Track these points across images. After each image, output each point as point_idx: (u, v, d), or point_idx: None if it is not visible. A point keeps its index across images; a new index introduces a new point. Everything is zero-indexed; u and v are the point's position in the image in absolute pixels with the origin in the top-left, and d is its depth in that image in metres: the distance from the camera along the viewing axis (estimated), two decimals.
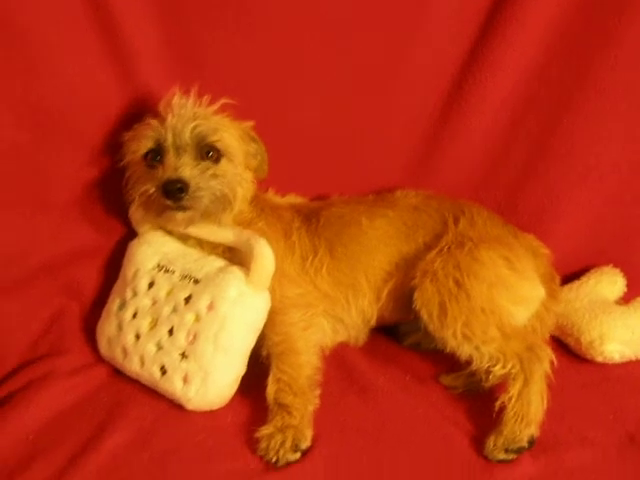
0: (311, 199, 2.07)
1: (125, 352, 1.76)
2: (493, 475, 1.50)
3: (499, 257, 1.76)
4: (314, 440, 1.59)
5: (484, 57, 1.99)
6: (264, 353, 1.75)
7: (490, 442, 1.56)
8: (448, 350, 1.72)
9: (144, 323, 1.73)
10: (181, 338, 1.67)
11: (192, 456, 1.56)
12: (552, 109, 2.03)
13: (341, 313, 1.89)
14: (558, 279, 1.94)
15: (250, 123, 1.84)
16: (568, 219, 2.10)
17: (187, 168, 1.67)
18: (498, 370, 1.65)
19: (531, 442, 1.56)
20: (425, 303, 1.73)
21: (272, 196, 1.98)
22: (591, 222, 2.10)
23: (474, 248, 1.77)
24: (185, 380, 1.66)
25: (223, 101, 1.77)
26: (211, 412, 1.69)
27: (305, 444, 1.57)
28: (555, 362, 1.66)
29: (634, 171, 2.05)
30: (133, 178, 1.77)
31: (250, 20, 1.90)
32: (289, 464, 1.53)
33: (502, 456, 1.54)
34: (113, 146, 1.84)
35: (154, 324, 1.72)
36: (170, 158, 1.69)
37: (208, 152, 1.73)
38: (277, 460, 1.53)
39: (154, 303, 1.74)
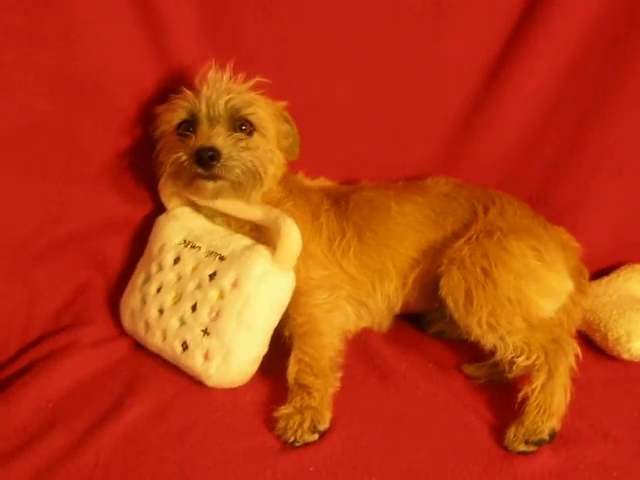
0: (340, 184, 2.06)
1: (148, 326, 1.76)
2: (512, 465, 1.48)
3: (528, 248, 1.75)
4: (333, 423, 1.59)
5: (521, 47, 1.98)
6: (286, 334, 1.75)
7: (511, 433, 1.54)
8: (472, 339, 1.70)
9: (168, 298, 1.74)
10: (204, 314, 1.67)
11: (209, 432, 1.56)
12: (588, 103, 2.02)
13: (366, 298, 1.88)
14: (587, 273, 1.91)
15: (283, 103, 1.84)
16: (599, 214, 2.08)
17: (220, 137, 1.68)
18: (522, 361, 1.63)
19: (552, 435, 1.54)
20: (451, 290, 1.72)
21: (302, 178, 1.98)
22: (623, 218, 2.09)
23: (503, 238, 1.75)
24: (206, 357, 1.66)
25: (258, 79, 1.77)
26: (231, 390, 1.69)
27: (323, 426, 1.56)
28: (580, 356, 1.64)
29: None
30: (165, 148, 1.77)
31: (287, 1, 1.90)
32: (306, 445, 1.53)
33: (522, 447, 1.52)
34: (146, 119, 1.85)
35: (178, 299, 1.72)
36: (203, 128, 1.70)
37: (241, 125, 1.74)
38: (295, 440, 1.52)
39: (179, 278, 1.75)
